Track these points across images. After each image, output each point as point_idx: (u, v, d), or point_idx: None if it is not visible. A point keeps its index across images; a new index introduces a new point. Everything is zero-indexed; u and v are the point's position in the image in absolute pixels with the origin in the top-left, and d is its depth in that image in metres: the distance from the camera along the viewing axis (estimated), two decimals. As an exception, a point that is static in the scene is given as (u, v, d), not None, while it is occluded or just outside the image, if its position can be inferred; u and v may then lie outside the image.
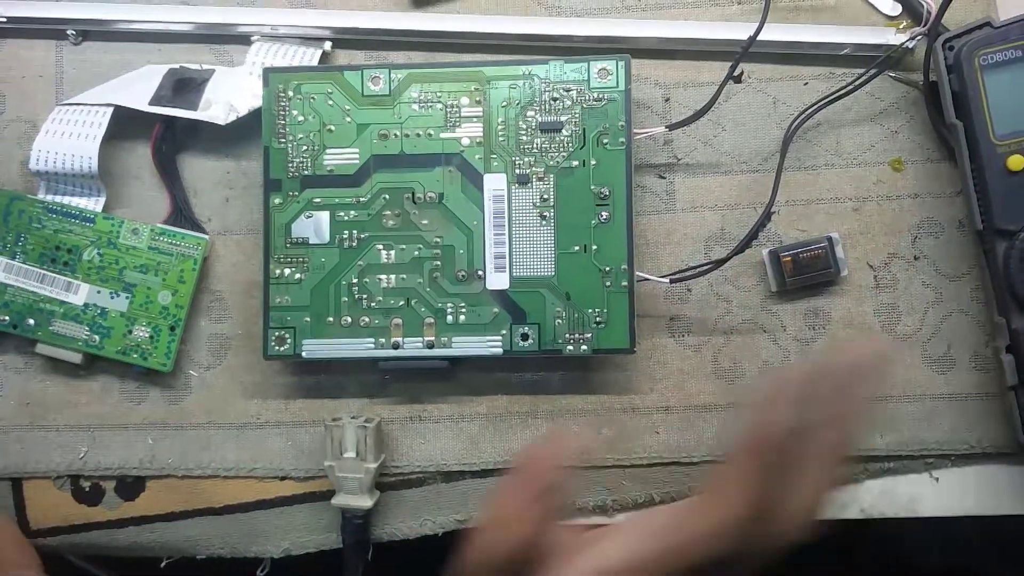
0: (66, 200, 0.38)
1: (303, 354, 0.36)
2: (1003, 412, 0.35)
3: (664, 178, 0.38)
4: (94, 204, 0.38)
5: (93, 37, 0.39)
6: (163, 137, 0.38)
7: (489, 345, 0.35)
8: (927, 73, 0.36)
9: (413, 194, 0.36)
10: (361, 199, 0.36)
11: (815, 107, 0.36)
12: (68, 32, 0.39)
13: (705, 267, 0.35)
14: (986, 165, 0.34)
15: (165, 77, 0.37)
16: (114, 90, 0.38)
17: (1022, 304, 0.33)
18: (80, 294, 0.37)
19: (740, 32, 0.36)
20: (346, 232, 0.36)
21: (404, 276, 0.36)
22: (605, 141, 0.35)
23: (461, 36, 0.38)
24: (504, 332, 0.35)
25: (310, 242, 0.36)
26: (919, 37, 0.36)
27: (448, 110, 0.36)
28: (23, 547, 0.37)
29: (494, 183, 0.36)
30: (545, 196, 0.35)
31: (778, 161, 0.36)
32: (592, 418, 0.37)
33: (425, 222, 0.36)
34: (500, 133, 0.36)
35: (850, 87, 0.35)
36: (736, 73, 0.34)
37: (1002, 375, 0.34)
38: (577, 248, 0.35)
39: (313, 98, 0.36)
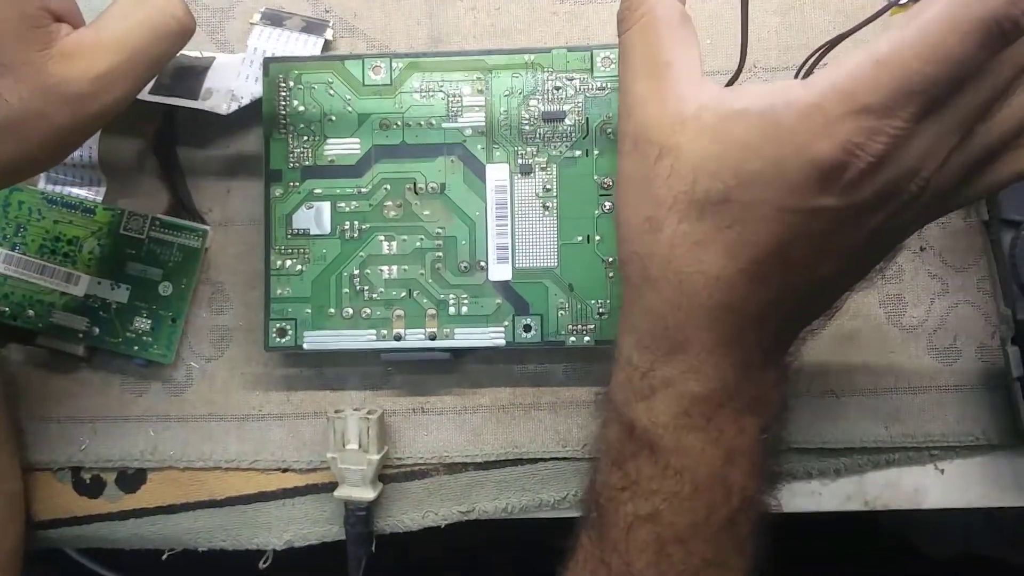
0: (66, 191, 0.38)
1: (304, 346, 0.36)
2: (1009, 404, 0.35)
3: (668, 168, 0.37)
4: (95, 195, 0.38)
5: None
6: (164, 127, 0.38)
7: (492, 336, 0.35)
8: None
9: (415, 184, 0.36)
10: (362, 190, 0.36)
11: (813, 58, 0.35)
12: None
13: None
14: (993, 154, 0.33)
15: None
16: (114, 80, 0.37)
17: (1029, 295, 0.33)
18: (81, 285, 0.37)
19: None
20: (347, 223, 0.36)
21: (406, 267, 0.36)
22: (608, 130, 0.35)
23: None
24: (507, 323, 0.35)
25: (311, 233, 0.36)
26: None
27: (450, 99, 0.35)
28: None
29: (496, 173, 0.35)
30: (548, 186, 0.35)
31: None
32: (596, 410, 0.37)
33: (427, 213, 0.36)
34: (502, 123, 0.35)
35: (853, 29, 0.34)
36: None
37: (1008, 367, 0.34)
38: (580, 238, 0.35)
39: (314, 88, 0.36)
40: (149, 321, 0.37)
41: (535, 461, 0.37)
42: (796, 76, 0.32)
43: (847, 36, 0.31)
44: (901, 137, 0.21)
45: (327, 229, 0.36)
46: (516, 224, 0.35)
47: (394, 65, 0.36)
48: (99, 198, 0.38)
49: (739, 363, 0.25)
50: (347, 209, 0.36)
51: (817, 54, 0.31)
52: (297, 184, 0.36)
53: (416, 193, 0.36)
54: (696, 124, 0.23)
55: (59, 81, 0.26)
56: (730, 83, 0.30)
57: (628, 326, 0.26)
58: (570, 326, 0.35)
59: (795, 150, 0.21)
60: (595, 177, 0.35)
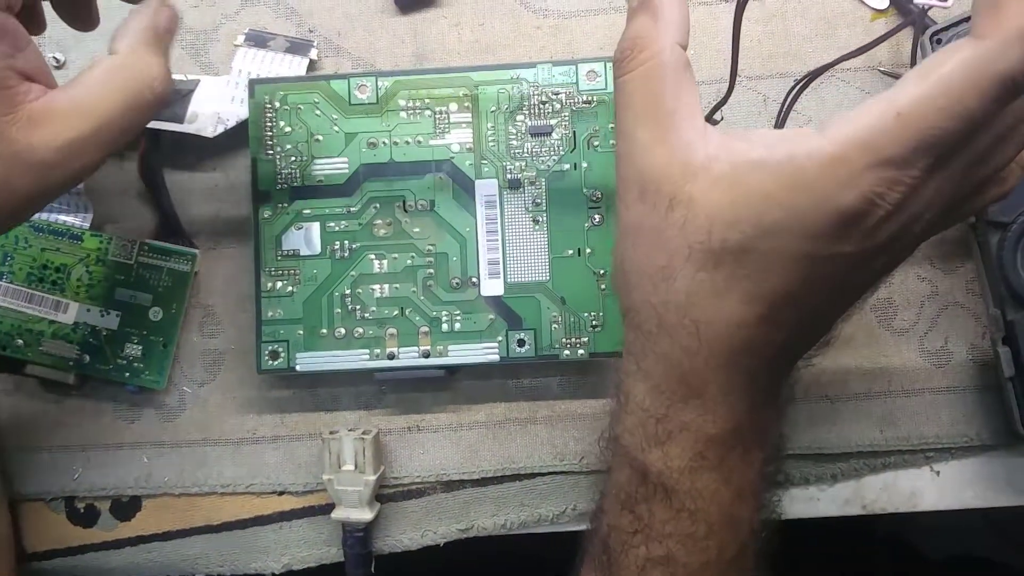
0: (53, 218, 0.37)
1: (297, 367, 0.35)
2: (1001, 404, 0.35)
3: (656, 179, 0.37)
4: (81, 221, 0.38)
5: (77, 52, 0.39)
6: (150, 151, 0.38)
7: (486, 352, 0.35)
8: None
9: (404, 202, 0.36)
10: (351, 209, 0.36)
11: (799, 86, 0.35)
12: (51, 56, 0.39)
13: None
14: (977, 157, 0.34)
15: (150, 91, 0.37)
16: (98, 106, 0.37)
17: (1016, 295, 0.33)
18: (70, 313, 0.37)
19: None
20: (337, 242, 0.36)
21: (397, 285, 0.35)
22: (596, 143, 0.35)
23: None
24: (500, 339, 0.35)
25: (301, 254, 0.36)
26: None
27: (437, 117, 0.36)
28: None
29: (486, 189, 0.35)
30: (537, 200, 0.35)
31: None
32: (592, 423, 0.37)
33: (417, 230, 0.36)
34: (490, 138, 0.35)
35: (831, 63, 0.34)
36: (716, 117, 0.34)
37: (999, 367, 0.34)
38: (571, 252, 0.35)
39: (300, 108, 0.36)
40: (140, 347, 0.37)
41: (532, 476, 0.37)
42: (782, 107, 0.33)
43: (827, 69, 0.31)
44: (915, 186, 0.22)
45: (317, 249, 0.36)
46: (507, 239, 0.35)
47: (380, 84, 0.36)
48: (86, 224, 0.37)
49: (751, 402, 0.25)
50: (337, 229, 0.36)
51: (799, 86, 0.32)
52: (286, 205, 0.36)
53: (406, 211, 0.36)
54: (707, 174, 0.23)
55: (23, 148, 0.25)
56: (724, 100, 0.30)
57: (640, 372, 0.26)
58: (564, 339, 0.35)
59: (818, 200, 0.22)
60: (584, 190, 0.35)
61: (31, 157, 0.25)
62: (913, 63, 0.36)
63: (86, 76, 0.27)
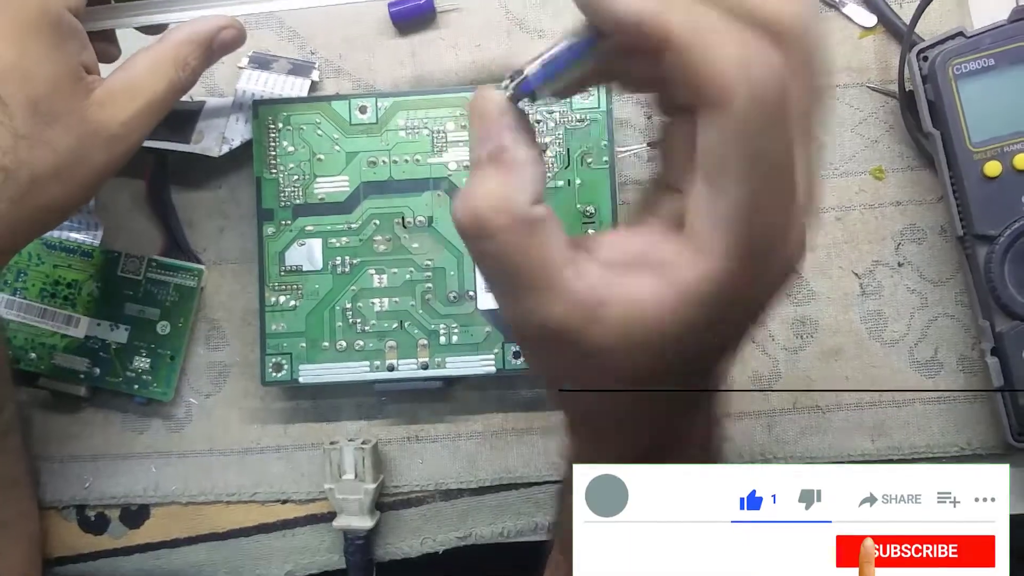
0: (65, 236, 0.39)
1: (300, 379, 0.36)
2: (991, 414, 0.36)
3: (649, 194, 0.38)
4: (92, 239, 0.39)
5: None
6: (157, 170, 0.39)
7: (482, 364, 0.36)
8: (902, 83, 0.36)
9: (403, 218, 0.37)
10: (352, 225, 0.37)
11: None
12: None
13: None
14: (964, 172, 0.34)
15: (157, 112, 0.38)
16: (108, 126, 0.39)
17: (1004, 307, 0.34)
18: (81, 327, 0.38)
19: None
20: (338, 258, 0.37)
21: (397, 299, 0.36)
22: (589, 161, 0.36)
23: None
24: (496, 351, 0.36)
25: (304, 269, 0.37)
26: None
27: (435, 136, 0.37)
28: None
29: (482, 205, 0.36)
30: (532, 216, 0.36)
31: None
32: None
33: (416, 245, 0.36)
34: (486, 156, 0.36)
35: None
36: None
37: (988, 377, 0.35)
38: (565, 266, 0.36)
39: (302, 128, 0.37)
40: (148, 360, 0.38)
41: (529, 485, 0.38)
42: None
43: None
44: None
45: (319, 265, 0.37)
46: (502, 254, 0.36)
47: (379, 104, 0.37)
48: (96, 242, 0.39)
49: None
50: (338, 245, 0.37)
51: None
52: (289, 222, 0.37)
53: (405, 227, 0.37)
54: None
55: (97, 127, 0.30)
56: None
57: None
58: (558, 352, 0.36)
59: None
60: (578, 206, 0.36)
61: (104, 134, 0.30)
62: (901, 80, 0.36)
63: (135, 63, 0.32)
